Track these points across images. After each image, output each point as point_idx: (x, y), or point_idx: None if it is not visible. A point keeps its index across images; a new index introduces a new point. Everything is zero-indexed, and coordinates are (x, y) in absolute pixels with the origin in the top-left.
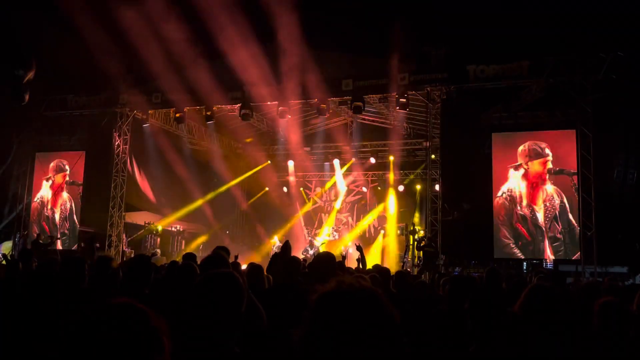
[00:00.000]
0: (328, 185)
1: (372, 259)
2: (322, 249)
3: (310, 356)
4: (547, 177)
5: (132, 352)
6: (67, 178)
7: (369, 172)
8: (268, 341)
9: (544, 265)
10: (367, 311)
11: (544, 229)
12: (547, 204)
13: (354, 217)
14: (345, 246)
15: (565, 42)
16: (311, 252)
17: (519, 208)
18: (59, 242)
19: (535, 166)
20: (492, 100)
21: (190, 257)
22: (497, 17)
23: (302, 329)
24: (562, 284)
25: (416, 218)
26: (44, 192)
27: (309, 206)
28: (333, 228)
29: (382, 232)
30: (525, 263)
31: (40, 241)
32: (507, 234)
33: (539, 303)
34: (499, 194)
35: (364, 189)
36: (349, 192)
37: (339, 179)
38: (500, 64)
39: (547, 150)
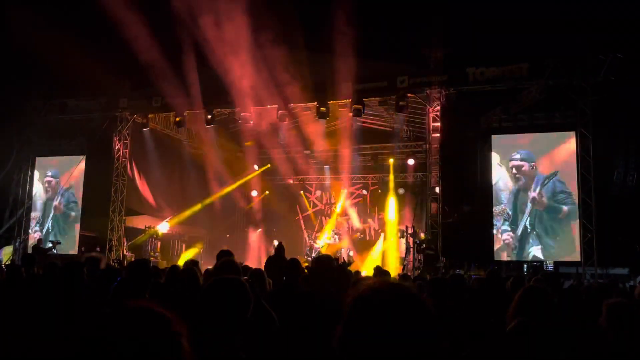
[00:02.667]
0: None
1: (373, 262)
2: (323, 251)
3: (349, 356)
4: (542, 180)
5: (152, 358)
6: (66, 183)
7: (369, 175)
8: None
9: (545, 267)
10: (406, 309)
11: (543, 233)
12: (544, 208)
13: (354, 220)
14: (345, 248)
15: (564, 44)
16: (312, 255)
17: (519, 213)
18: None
19: (527, 172)
20: (491, 102)
21: (192, 263)
22: (496, 19)
23: (340, 330)
24: (557, 286)
25: (416, 221)
26: (44, 198)
27: (309, 209)
28: (333, 231)
29: (382, 234)
30: (525, 265)
31: (41, 246)
32: (510, 239)
33: (532, 305)
34: (499, 200)
35: (364, 192)
36: (349, 194)
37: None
38: (499, 66)
39: (532, 155)
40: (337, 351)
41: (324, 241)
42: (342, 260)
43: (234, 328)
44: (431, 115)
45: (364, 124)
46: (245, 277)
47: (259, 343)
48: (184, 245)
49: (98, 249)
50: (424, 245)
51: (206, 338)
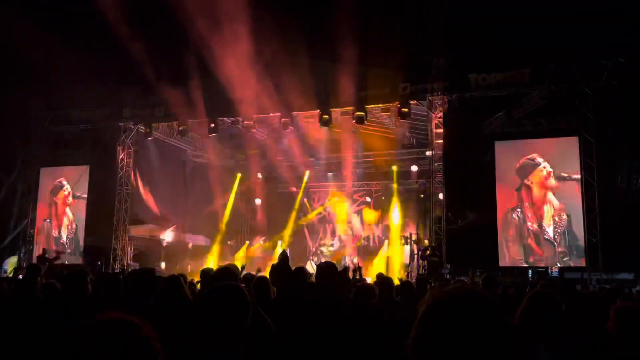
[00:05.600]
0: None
1: (376, 269)
2: (327, 255)
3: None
4: (553, 183)
5: None
6: (71, 192)
7: (372, 182)
8: (275, 351)
9: (549, 273)
10: (481, 314)
11: (554, 244)
12: (556, 219)
13: (358, 227)
14: (349, 255)
15: (565, 49)
16: (313, 263)
17: (528, 224)
18: (65, 259)
19: (536, 177)
20: (494, 108)
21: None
22: (498, 26)
23: (414, 334)
24: (571, 291)
25: (420, 227)
26: (49, 212)
27: (312, 217)
28: (337, 238)
29: (386, 241)
30: (530, 271)
31: (46, 256)
32: (518, 251)
33: (540, 310)
34: (509, 209)
35: (368, 199)
36: (352, 202)
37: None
38: (501, 72)
39: (539, 159)
40: (410, 356)
41: (328, 248)
42: (354, 267)
43: (233, 333)
44: (434, 121)
45: (366, 131)
46: (243, 285)
47: (257, 349)
48: (188, 254)
49: (103, 258)
50: (428, 252)
51: (206, 344)
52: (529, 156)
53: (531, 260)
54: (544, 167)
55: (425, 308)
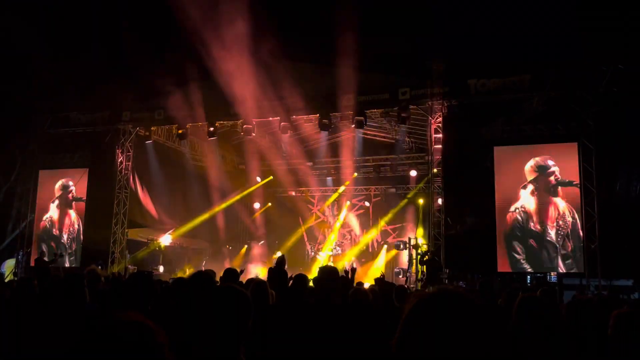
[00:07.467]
0: (330, 200)
1: (375, 273)
2: (324, 262)
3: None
4: (559, 189)
5: None
6: (74, 194)
7: (371, 187)
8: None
9: (548, 279)
10: (464, 315)
11: (557, 246)
12: (560, 222)
13: (357, 232)
14: (349, 262)
15: (565, 55)
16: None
17: (531, 225)
18: (66, 261)
19: (544, 179)
20: (493, 113)
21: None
22: (498, 31)
23: (397, 333)
24: (552, 297)
25: (419, 232)
26: (52, 212)
27: (311, 221)
28: (336, 243)
29: (385, 246)
30: (529, 277)
31: (44, 259)
32: (519, 250)
33: (530, 313)
34: (512, 209)
35: (367, 204)
36: (352, 206)
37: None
38: (501, 78)
39: (551, 162)
40: (395, 354)
41: (327, 253)
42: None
43: (235, 335)
44: (433, 126)
45: (366, 136)
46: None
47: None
48: (186, 258)
49: (100, 261)
50: (426, 257)
51: (207, 344)
52: (541, 157)
53: (532, 261)
54: (554, 171)
55: (409, 309)
